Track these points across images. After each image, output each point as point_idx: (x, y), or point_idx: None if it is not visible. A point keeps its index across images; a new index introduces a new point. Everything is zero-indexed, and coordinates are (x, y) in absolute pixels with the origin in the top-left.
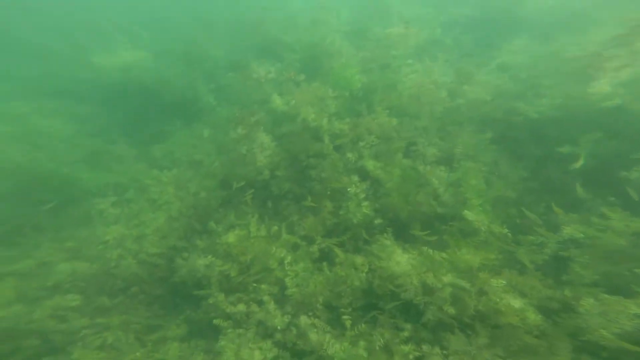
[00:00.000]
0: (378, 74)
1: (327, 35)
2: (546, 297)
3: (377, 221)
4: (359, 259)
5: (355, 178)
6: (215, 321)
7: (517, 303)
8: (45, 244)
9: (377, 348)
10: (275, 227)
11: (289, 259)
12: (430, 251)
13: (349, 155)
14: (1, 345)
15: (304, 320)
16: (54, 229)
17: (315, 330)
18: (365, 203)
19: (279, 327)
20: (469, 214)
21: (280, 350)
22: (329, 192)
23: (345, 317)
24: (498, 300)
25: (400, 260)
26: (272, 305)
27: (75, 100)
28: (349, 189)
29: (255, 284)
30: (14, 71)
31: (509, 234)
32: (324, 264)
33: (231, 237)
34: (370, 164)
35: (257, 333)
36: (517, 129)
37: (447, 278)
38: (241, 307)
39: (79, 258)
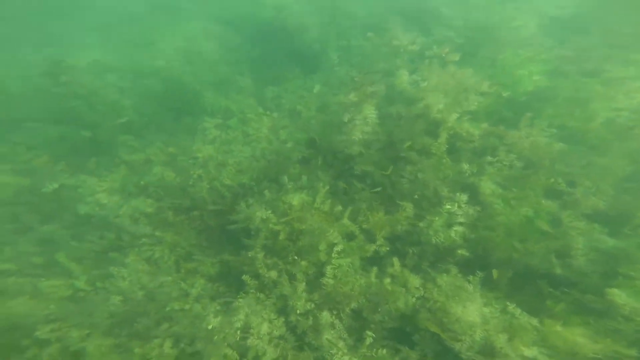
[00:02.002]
0: (571, 81)
1: (517, 17)
2: None
3: (461, 252)
4: (416, 281)
5: (462, 196)
6: (244, 276)
7: None
8: (157, 143)
9: None
10: (340, 208)
11: (339, 247)
12: (519, 311)
13: (465, 166)
14: (94, 231)
15: (325, 315)
16: (169, 132)
17: (332, 331)
18: (459, 228)
19: (297, 311)
20: (617, 294)
21: (288, 332)
22: (416, 196)
23: (369, 332)
24: None
25: (471, 308)
26: (301, 286)
27: (233, 30)
28: (446, 205)
29: (296, 257)
30: None
31: None
32: (374, 269)
33: (295, 200)
34: (488, 187)
35: (275, 305)
36: None
37: (528, 351)
38: (273, 274)
39: (170, 165)
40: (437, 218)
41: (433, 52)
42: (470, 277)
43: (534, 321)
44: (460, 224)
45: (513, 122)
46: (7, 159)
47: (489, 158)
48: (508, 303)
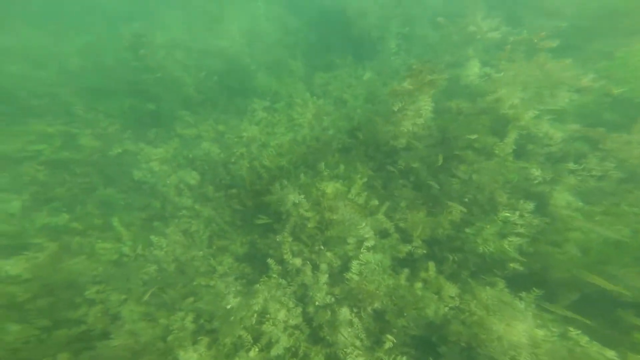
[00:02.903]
0: None
1: None
2: None
3: (513, 265)
4: (451, 290)
5: (526, 204)
6: (269, 260)
7: None
8: (209, 120)
9: None
10: (376, 202)
11: (370, 243)
12: (585, 339)
13: (535, 171)
14: (144, 197)
15: (345, 312)
16: (221, 110)
17: (349, 329)
18: (515, 239)
19: (316, 302)
20: None
21: (304, 323)
22: (467, 200)
23: (389, 336)
24: None
25: (518, 327)
26: (324, 278)
27: (295, 12)
28: (503, 212)
29: (322, 247)
30: None
31: None
32: (405, 270)
33: (329, 188)
34: (563, 198)
35: (295, 294)
36: None
37: None
38: (297, 261)
39: (217, 142)
40: (488, 226)
41: (522, 37)
42: (523, 294)
43: (610, 353)
44: (518, 234)
45: (620, 125)
46: (90, 125)
47: (571, 165)
48: (571, 328)
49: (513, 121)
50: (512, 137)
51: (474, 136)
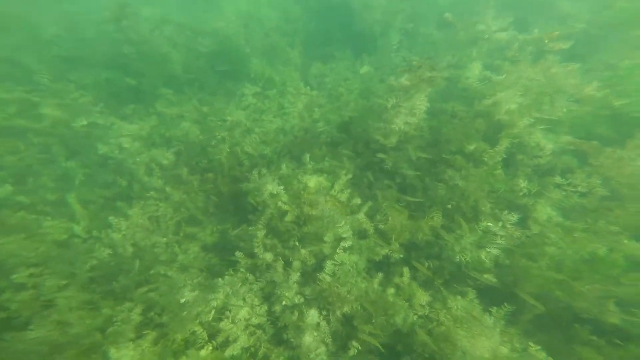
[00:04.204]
0: None
1: None
2: None
3: (487, 276)
4: (423, 297)
5: (510, 216)
6: (237, 253)
7: None
8: (193, 101)
9: None
10: (358, 201)
11: (347, 243)
12: (543, 355)
13: (522, 183)
14: (109, 174)
15: (312, 314)
16: (208, 92)
17: (315, 332)
18: (493, 250)
19: (284, 302)
20: None
21: (268, 323)
22: (450, 206)
23: (355, 343)
24: None
25: (484, 342)
26: (295, 276)
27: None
28: (487, 223)
29: (297, 243)
30: None
31: None
32: (379, 275)
33: (312, 182)
34: (545, 212)
35: (261, 291)
36: None
37: None
38: (268, 257)
39: (199, 123)
40: (469, 234)
41: (532, 36)
42: (494, 309)
43: None
44: (497, 246)
45: (614, 140)
46: (57, 95)
47: (557, 179)
48: (531, 344)
49: (507, 128)
50: (503, 144)
51: (471, 146)
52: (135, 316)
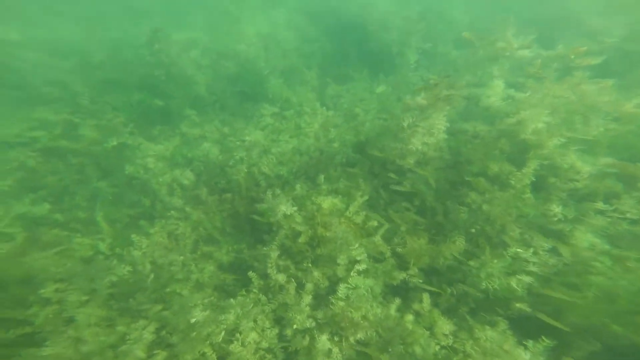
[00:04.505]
0: None
1: None
2: None
3: (520, 306)
4: (446, 326)
5: (541, 241)
6: (250, 273)
7: None
8: (215, 122)
9: None
10: (375, 223)
11: (362, 266)
12: None
13: (556, 208)
14: (134, 194)
15: (324, 339)
16: (229, 113)
17: (327, 359)
18: (525, 278)
19: (295, 326)
20: None
21: (279, 347)
22: (473, 230)
23: None
24: None
25: None
26: (307, 298)
27: (315, 21)
28: (516, 249)
29: (310, 265)
30: None
31: None
32: (397, 300)
33: (326, 203)
34: (586, 239)
35: (273, 313)
36: None
37: None
38: (280, 278)
39: (219, 144)
40: (495, 260)
41: (556, 52)
42: (530, 342)
43: None
44: (529, 273)
45: None
46: (95, 116)
47: (600, 205)
48: None
49: (534, 149)
50: (531, 166)
51: (495, 167)
52: (148, 334)
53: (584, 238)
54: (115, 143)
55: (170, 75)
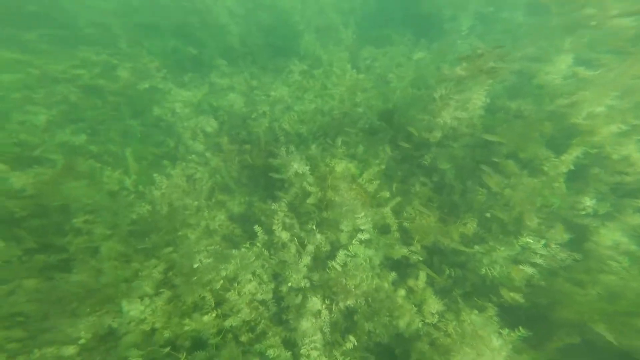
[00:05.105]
0: None
1: None
2: None
3: (514, 295)
4: (435, 305)
5: (557, 234)
6: (256, 227)
7: None
8: (244, 74)
9: None
10: (387, 194)
11: (365, 235)
12: None
13: (587, 201)
14: (161, 134)
15: (315, 301)
16: (259, 66)
17: (314, 319)
18: (527, 268)
19: (290, 283)
20: None
21: (272, 301)
22: (488, 215)
23: (352, 337)
24: None
25: None
26: (306, 259)
27: None
28: (525, 237)
29: (314, 227)
30: None
31: None
32: (392, 274)
33: (340, 166)
34: (612, 237)
35: (272, 269)
36: None
37: None
38: (284, 235)
39: (245, 96)
40: (502, 248)
41: None
42: (506, 330)
43: None
44: (533, 264)
45: None
46: (132, 59)
47: None
48: None
49: (583, 135)
50: (573, 153)
51: (529, 150)
52: (157, 274)
53: (610, 236)
54: (147, 86)
55: (204, 23)
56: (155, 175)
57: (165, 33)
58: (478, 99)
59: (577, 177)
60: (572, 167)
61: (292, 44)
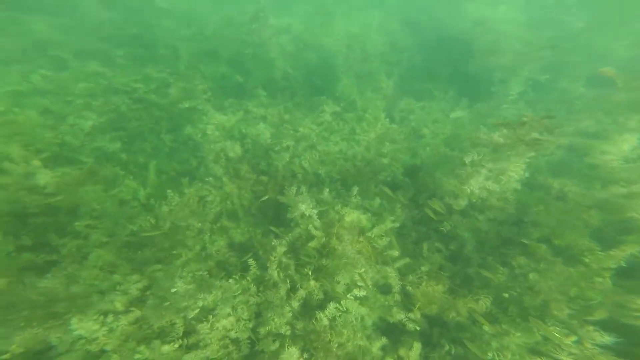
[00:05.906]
0: None
1: None
2: None
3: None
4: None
5: (600, 335)
6: (250, 260)
7: None
8: (279, 107)
9: None
10: (395, 254)
11: (362, 292)
12: None
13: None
14: (186, 152)
15: (293, 351)
16: (294, 102)
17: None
18: None
19: (269, 327)
20: None
21: (246, 340)
22: (506, 295)
23: None
24: None
25: None
26: (294, 304)
27: (410, 31)
28: (554, 330)
29: (310, 273)
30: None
31: None
32: (383, 339)
33: (350, 216)
34: None
35: (255, 307)
36: None
37: None
38: (277, 275)
39: (274, 127)
40: (518, 333)
41: None
42: None
43: None
44: None
45: None
46: (185, 79)
47: None
48: None
49: None
50: (627, 250)
51: (568, 238)
52: (135, 290)
53: None
54: (187, 105)
55: (256, 55)
56: (168, 191)
57: (221, 60)
58: (515, 171)
59: (627, 275)
60: (623, 264)
61: (330, 85)
